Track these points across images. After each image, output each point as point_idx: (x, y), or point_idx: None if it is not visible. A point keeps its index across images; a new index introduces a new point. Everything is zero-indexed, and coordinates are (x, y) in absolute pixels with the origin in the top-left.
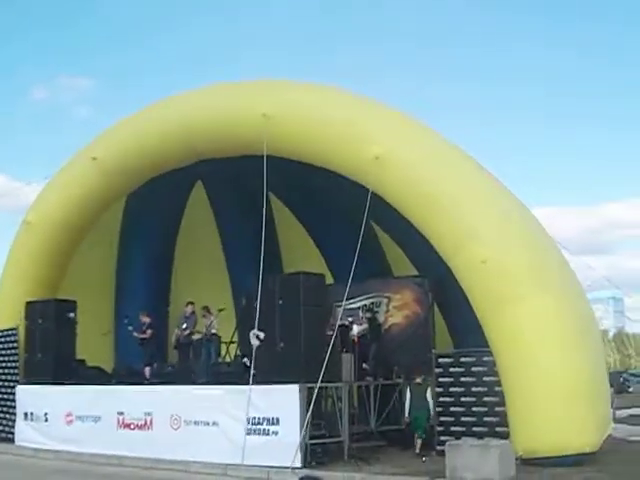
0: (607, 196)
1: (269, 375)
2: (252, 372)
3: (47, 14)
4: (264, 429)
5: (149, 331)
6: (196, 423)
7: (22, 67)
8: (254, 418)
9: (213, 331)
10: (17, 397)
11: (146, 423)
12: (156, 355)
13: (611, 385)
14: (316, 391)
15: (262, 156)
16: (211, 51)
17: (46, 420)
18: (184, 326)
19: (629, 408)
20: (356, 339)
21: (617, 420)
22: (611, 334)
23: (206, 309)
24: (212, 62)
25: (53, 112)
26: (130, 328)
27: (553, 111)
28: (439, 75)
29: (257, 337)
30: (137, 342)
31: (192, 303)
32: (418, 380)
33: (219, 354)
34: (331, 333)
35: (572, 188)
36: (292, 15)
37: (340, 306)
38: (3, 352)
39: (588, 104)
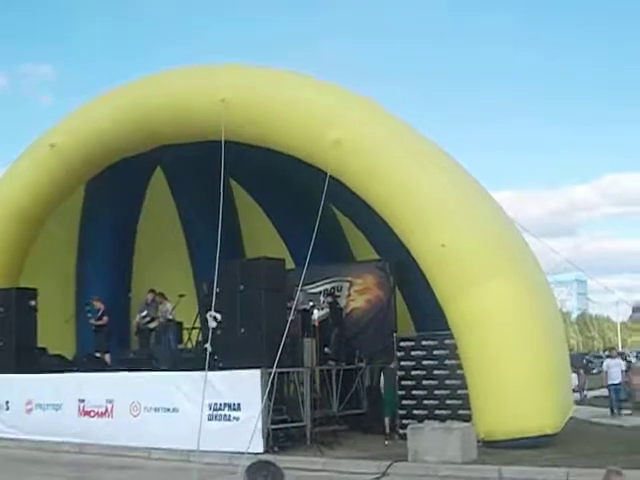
0: (573, 179)
1: (230, 360)
2: (208, 357)
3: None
4: (225, 415)
5: (105, 318)
6: (156, 410)
7: None
8: (215, 404)
9: (169, 317)
10: None
11: (107, 410)
12: (110, 342)
13: (580, 367)
14: (272, 375)
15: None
16: (180, 33)
17: (7, 409)
18: (144, 313)
19: (593, 390)
20: (317, 324)
21: (585, 402)
22: (574, 316)
23: (161, 295)
24: (182, 45)
25: (14, 99)
26: (89, 315)
27: (518, 95)
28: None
29: (214, 318)
30: (92, 329)
31: (153, 291)
32: (392, 365)
33: (180, 340)
34: (293, 318)
35: (537, 171)
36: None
37: (301, 291)
38: None
39: (557, 89)
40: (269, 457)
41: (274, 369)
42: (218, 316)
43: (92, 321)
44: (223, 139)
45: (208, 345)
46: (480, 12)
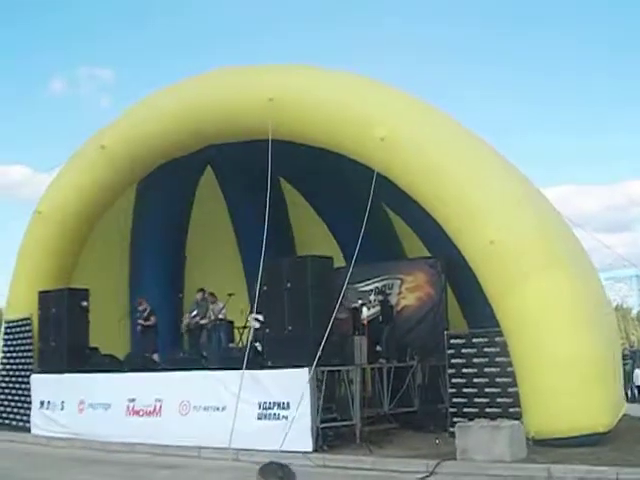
0: (631, 173)
1: (279, 359)
2: (257, 356)
3: (63, 3)
4: (275, 413)
5: (152, 318)
6: (206, 409)
7: (40, 57)
8: (264, 402)
9: (221, 316)
10: (32, 386)
11: (155, 409)
12: (157, 342)
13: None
14: (312, 373)
15: (271, 140)
16: (234, 38)
17: (62, 408)
18: (194, 313)
19: None
20: (365, 322)
21: None
22: (634, 312)
23: (212, 295)
24: (237, 48)
25: (73, 102)
26: (138, 315)
27: (572, 87)
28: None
29: (256, 320)
30: (138, 329)
31: (202, 290)
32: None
33: (232, 339)
34: (343, 316)
35: (594, 165)
36: None
37: (352, 289)
38: (18, 341)
39: (611, 77)
40: (318, 456)
41: (313, 367)
42: (260, 317)
43: (140, 321)
44: (270, 138)
45: (258, 344)
46: None
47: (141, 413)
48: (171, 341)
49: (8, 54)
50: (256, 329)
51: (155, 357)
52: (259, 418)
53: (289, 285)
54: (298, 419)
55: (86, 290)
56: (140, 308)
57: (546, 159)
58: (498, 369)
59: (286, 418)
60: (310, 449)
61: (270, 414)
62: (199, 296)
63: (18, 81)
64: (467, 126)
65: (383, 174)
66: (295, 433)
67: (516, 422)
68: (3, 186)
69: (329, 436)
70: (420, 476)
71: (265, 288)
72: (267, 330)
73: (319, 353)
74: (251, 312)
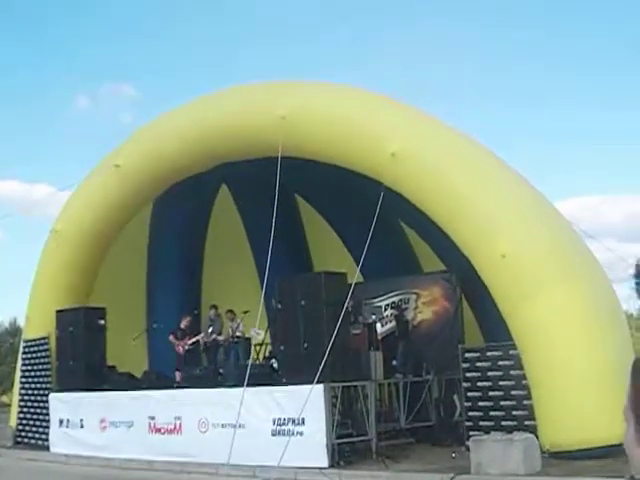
0: None
1: (294, 375)
2: (248, 372)
3: (87, 25)
4: (290, 430)
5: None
6: (223, 426)
7: (65, 77)
8: (279, 419)
9: (238, 334)
10: (50, 405)
11: (175, 427)
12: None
13: None
14: (326, 389)
15: (285, 157)
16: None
17: (82, 427)
18: (210, 330)
19: None
20: (380, 338)
21: None
22: None
23: (231, 312)
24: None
25: (97, 120)
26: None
27: (598, 94)
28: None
29: (256, 333)
30: (184, 347)
31: (215, 307)
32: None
33: (249, 356)
34: (358, 331)
35: (620, 174)
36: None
37: (368, 304)
38: (36, 361)
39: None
40: (334, 471)
41: (312, 382)
42: (260, 331)
43: (188, 341)
44: (280, 156)
45: (275, 361)
46: None
47: (162, 431)
48: (188, 358)
49: (34, 72)
50: (258, 344)
51: (177, 375)
52: (273, 434)
53: (303, 302)
54: (313, 435)
55: (103, 308)
56: (183, 325)
57: (569, 168)
58: (513, 382)
59: (301, 434)
60: (326, 465)
61: (284, 430)
62: (212, 313)
63: (43, 100)
64: (484, 135)
65: (394, 189)
66: (311, 449)
67: (530, 435)
68: (29, 205)
69: (345, 452)
70: None
71: (279, 305)
72: (282, 347)
73: (320, 369)
74: (269, 328)
